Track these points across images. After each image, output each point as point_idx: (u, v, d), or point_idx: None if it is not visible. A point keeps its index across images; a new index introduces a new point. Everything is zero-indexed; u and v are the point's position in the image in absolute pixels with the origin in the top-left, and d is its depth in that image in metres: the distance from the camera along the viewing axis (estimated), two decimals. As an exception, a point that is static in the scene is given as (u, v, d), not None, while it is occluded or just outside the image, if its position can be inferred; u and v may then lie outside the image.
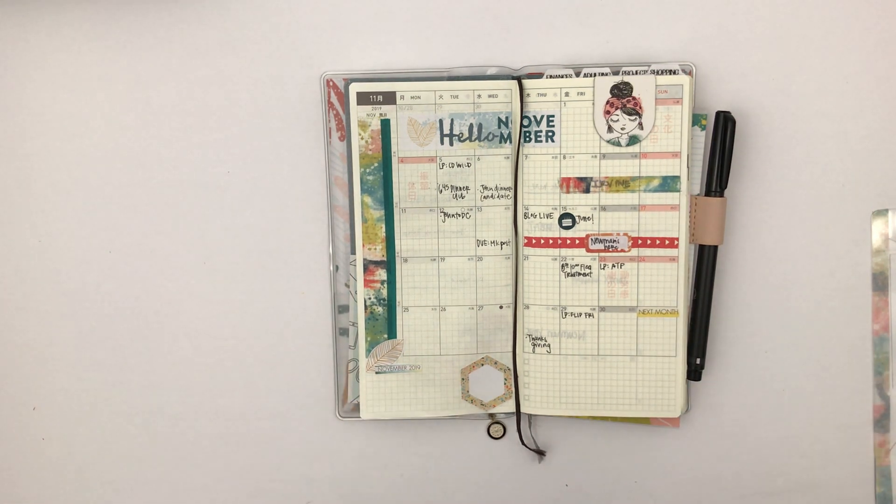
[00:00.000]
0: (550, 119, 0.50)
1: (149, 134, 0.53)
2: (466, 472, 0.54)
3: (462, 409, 0.53)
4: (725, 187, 0.50)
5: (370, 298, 0.52)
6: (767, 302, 0.52)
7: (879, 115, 0.51)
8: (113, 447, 0.55)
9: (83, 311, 0.54)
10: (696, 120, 0.50)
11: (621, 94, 0.50)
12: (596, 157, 0.50)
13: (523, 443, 0.53)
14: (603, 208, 0.51)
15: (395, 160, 0.51)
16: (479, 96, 0.50)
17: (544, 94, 0.50)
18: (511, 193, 0.51)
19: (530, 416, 0.53)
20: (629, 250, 0.51)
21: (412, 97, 0.51)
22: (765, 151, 0.51)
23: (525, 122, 0.50)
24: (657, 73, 0.49)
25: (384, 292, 0.52)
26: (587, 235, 0.51)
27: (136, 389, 0.55)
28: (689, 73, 0.49)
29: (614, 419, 0.53)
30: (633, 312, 0.51)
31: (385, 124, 0.51)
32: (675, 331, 0.51)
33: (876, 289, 0.52)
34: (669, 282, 0.51)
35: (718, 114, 0.50)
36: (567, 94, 0.50)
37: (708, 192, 0.50)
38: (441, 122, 0.51)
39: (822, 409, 0.53)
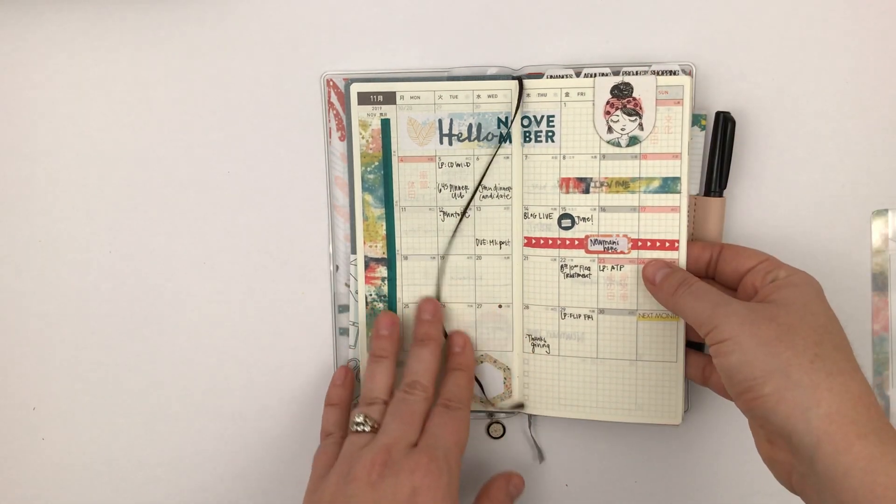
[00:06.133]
0: (550, 119, 0.50)
1: (149, 134, 0.53)
2: (466, 471, 0.54)
3: (462, 409, 0.53)
4: (725, 187, 0.50)
5: (371, 295, 0.52)
6: (767, 302, 0.52)
7: (879, 115, 0.51)
8: (113, 447, 0.55)
9: (83, 311, 0.54)
10: (696, 120, 0.50)
11: (621, 95, 0.50)
12: (596, 157, 0.50)
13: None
14: (602, 209, 0.51)
15: (395, 159, 0.51)
16: (479, 96, 0.50)
17: (544, 95, 0.50)
18: (510, 193, 0.51)
19: (530, 415, 0.53)
20: (629, 252, 0.51)
21: (412, 97, 0.51)
22: (765, 151, 0.51)
23: (525, 122, 0.50)
24: (658, 73, 0.49)
25: (385, 289, 0.52)
26: (586, 236, 0.51)
27: (136, 389, 0.55)
28: (689, 74, 0.49)
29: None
30: (632, 316, 0.51)
31: (385, 124, 0.51)
32: (676, 336, 0.51)
33: (876, 289, 0.52)
34: (669, 282, 0.51)
35: (718, 114, 0.50)
36: (567, 95, 0.50)
37: (707, 193, 0.50)
38: (440, 121, 0.51)
39: (822, 410, 0.53)
